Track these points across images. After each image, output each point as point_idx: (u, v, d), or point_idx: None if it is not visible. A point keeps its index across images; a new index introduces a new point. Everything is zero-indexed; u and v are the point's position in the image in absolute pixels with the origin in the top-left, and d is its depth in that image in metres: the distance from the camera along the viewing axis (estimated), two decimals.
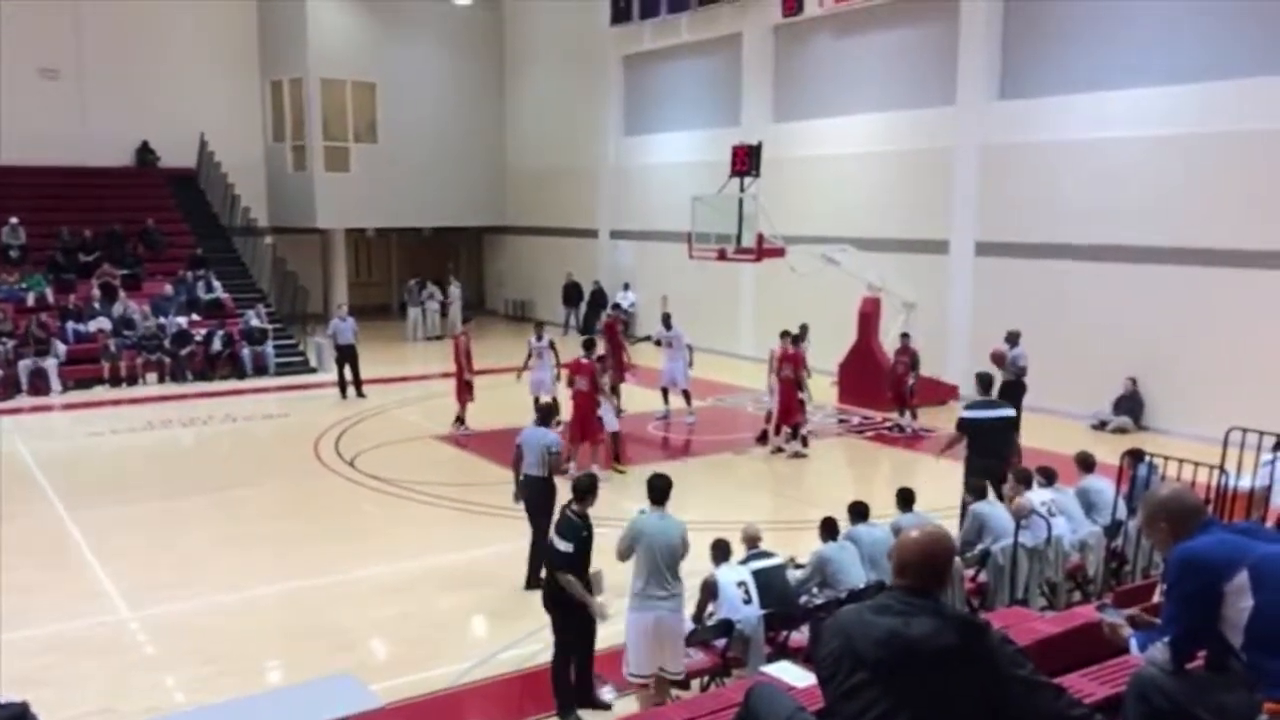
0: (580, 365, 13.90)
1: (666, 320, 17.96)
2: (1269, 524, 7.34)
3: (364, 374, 19.92)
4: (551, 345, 16.73)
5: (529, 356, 16.77)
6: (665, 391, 17.57)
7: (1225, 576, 3.47)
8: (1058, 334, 16.65)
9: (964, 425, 10.93)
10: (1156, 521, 3.79)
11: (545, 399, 16.50)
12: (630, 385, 18.75)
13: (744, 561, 7.72)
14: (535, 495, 9.68)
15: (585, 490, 7.35)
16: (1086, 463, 9.99)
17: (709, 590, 7.42)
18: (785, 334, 15.60)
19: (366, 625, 9.26)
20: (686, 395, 17.42)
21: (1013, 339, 15.13)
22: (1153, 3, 16.56)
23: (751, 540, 7.99)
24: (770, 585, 7.51)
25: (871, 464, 15.34)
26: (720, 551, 7.65)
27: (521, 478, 9.81)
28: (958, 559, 8.30)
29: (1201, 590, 3.52)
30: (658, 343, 18.22)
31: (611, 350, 17.62)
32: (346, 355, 19.67)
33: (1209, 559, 3.53)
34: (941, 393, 18.41)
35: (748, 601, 7.29)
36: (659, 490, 7.19)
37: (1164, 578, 3.92)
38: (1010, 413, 11.31)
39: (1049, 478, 9.38)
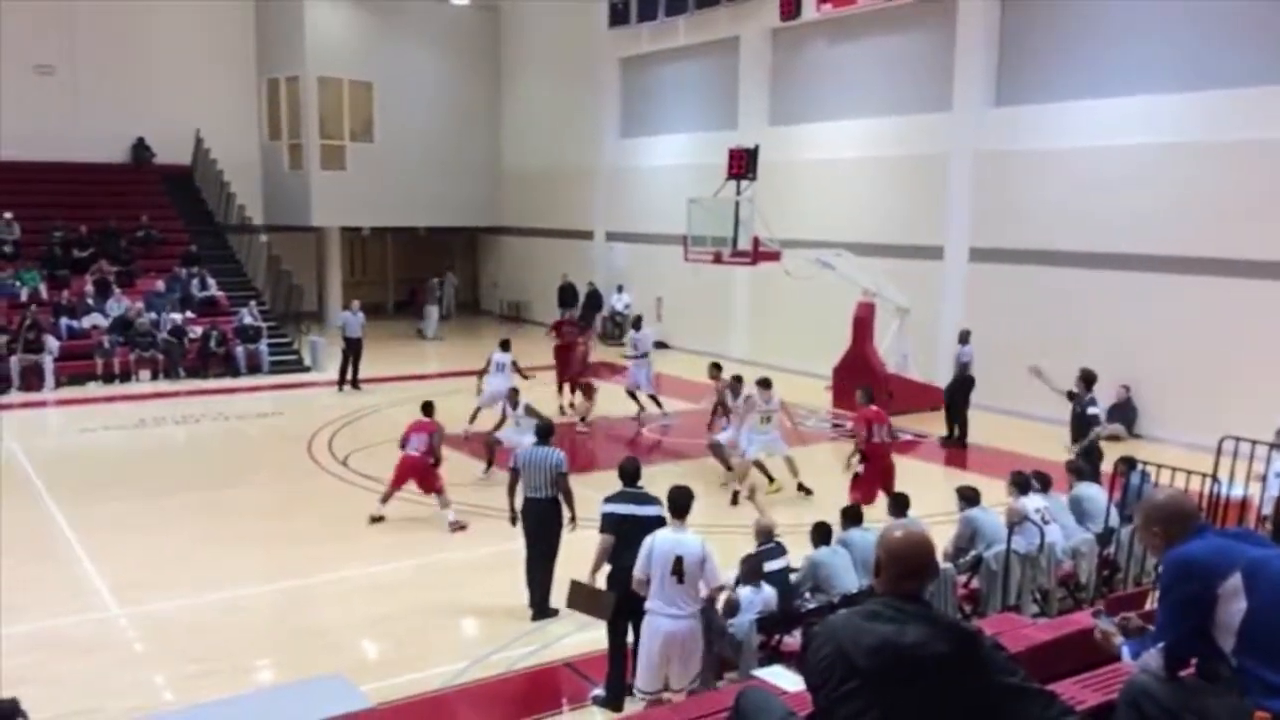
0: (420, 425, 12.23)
1: (637, 323, 18.15)
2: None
3: (361, 374, 20.38)
4: (514, 364, 16.13)
5: (486, 367, 16.13)
6: (633, 394, 17.58)
7: (1218, 580, 3.47)
8: (1051, 341, 16.62)
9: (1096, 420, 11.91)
10: (1151, 526, 3.79)
11: (493, 411, 15.85)
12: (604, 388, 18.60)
13: (756, 556, 7.71)
14: (540, 519, 9.04)
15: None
16: (1079, 470, 10.00)
17: (730, 609, 7.30)
18: (738, 379, 14.83)
19: (356, 625, 9.21)
20: (654, 399, 17.46)
21: (963, 337, 16.36)
22: (1148, 12, 16.60)
23: (765, 534, 7.98)
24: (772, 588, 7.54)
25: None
26: (749, 572, 7.55)
27: (521, 502, 9.17)
28: (949, 565, 8.32)
29: (1194, 595, 3.52)
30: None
31: (557, 353, 17.48)
32: (351, 348, 20.12)
33: (1202, 563, 3.54)
34: (934, 397, 18.39)
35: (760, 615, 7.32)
36: (677, 504, 6.99)
37: (1155, 584, 3.92)
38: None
39: (1044, 484, 9.38)
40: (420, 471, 11.87)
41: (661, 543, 6.76)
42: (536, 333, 24.48)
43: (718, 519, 11.26)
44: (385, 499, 11.91)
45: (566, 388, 18.25)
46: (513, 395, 13.76)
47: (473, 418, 15.83)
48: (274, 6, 28.43)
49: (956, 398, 16.36)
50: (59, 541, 11.27)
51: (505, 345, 16.57)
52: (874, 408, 12.08)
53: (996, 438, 16.04)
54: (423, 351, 26.18)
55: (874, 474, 11.60)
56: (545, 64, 30.31)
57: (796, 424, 14.98)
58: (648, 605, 6.83)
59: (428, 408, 12.37)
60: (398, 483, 11.92)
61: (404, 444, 11.97)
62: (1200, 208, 15.76)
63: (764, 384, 13.42)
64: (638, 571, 6.81)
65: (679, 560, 6.65)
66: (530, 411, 13.37)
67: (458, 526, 11.65)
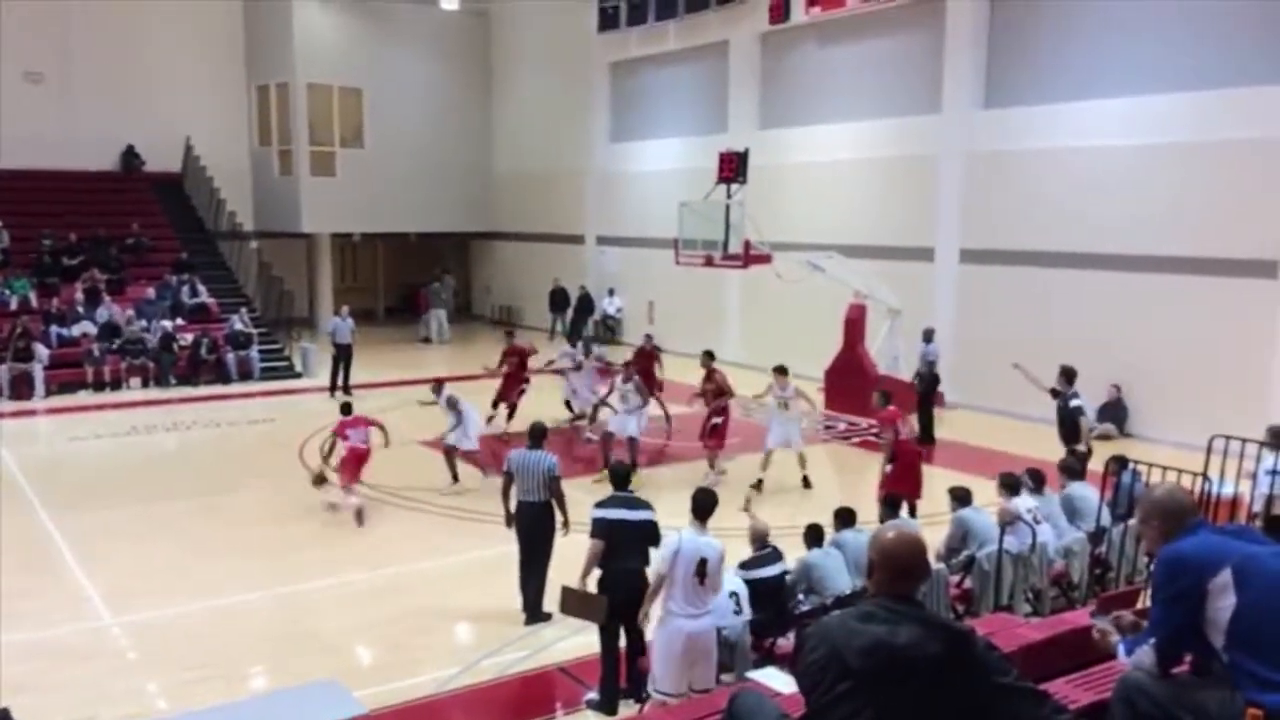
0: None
1: (588, 344, 18.76)
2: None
3: (353, 380, 20.47)
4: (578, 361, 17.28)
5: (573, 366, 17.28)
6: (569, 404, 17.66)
7: (1209, 575, 3.49)
8: (1042, 341, 16.67)
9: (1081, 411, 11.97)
10: (1149, 520, 3.83)
11: (583, 407, 16.87)
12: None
13: (745, 565, 7.72)
14: (534, 523, 9.03)
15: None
16: (1071, 470, 10.03)
17: None
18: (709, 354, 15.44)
19: (350, 630, 9.22)
20: (594, 407, 17.34)
21: (927, 335, 17.01)
22: (1136, 13, 16.67)
23: (760, 539, 7.98)
24: (768, 594, 7.56)
25: (857, 470, 15.33)
26: None
27: (514, 505, 9.20)
28: (942, 565, 8.34)
29: (1186, 590, 3.55)
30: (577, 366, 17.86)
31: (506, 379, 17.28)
32: (342, 354, 20.25)
33: (1193, 558, 3.57)
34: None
35: (738, 612, 7.28)
36: (701, 506, 7.04)
37: (1147, 583, 3.95)
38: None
39: (1037, 483, 9.40)
40: (361, 461, 12.44)
41: (688, 543, 6.80)
42: (530, 336, 24.42)
43: (716, 521, 11.23)
44: (350, 494, 12.32)
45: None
46: (436, 386, 13.98)
47: (580, 416, 17.20)
48: (263, 13, 28.38)
49: (924, 397, 16.65)
50: (51, 550, 11.23)
51: (573, 343, 17.81)
52: (892, 408, 12.04)
53: (987, 437, 16.07)
54: (419, 358, 26.05)
55: (904, 470, 11.58)
56: (535, 69, 30.32)
57: (815, 412, 15.06)
58: (667, 606, 6.84)
59: (347, 408, 13.03)
60: (352, 476, 12.38)
61: (341, 439, 12.43)
62: (1190, 208, 15.83)
63: (780, 371, 13.74)
64: (662, 568, 6.84)
65: (703, 562, 6.74)
66: (451, 404, 13.57)
67: (359, 514, 12.06)
